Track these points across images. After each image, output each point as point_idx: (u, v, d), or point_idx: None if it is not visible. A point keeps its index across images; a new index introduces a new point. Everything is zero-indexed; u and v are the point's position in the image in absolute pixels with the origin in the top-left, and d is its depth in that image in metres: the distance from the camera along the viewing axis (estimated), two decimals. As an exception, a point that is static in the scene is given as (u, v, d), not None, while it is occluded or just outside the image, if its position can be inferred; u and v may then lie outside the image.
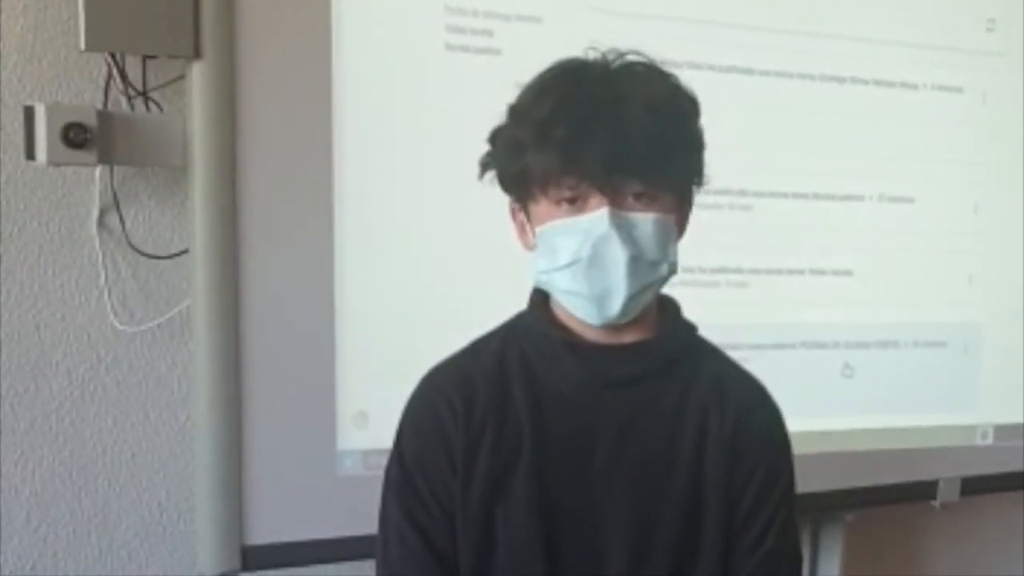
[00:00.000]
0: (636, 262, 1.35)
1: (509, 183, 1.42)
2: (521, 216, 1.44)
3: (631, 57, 1.40)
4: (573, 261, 1.36)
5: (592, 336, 1.44)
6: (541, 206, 1.38)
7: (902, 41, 2.57)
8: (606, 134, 1.31)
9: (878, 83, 2.56)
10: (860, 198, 2.58)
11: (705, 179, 1.44)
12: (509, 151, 1.39)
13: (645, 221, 1.35)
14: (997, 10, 2.68)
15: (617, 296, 1.36)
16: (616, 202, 1.34)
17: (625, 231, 1.34)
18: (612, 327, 1.41)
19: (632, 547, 1.42)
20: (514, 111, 1.40)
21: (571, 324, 1.44)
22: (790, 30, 2.47)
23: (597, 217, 1.34)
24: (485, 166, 1.44)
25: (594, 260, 1.34)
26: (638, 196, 1.35)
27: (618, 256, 1.34)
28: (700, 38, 2.38)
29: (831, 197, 2.55)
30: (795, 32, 2.48)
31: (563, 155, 1.32)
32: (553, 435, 1.43)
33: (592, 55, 1.40)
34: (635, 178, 1.34)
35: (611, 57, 1.39)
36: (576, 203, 1.35)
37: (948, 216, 2.69)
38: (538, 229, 1.40)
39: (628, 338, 1.44)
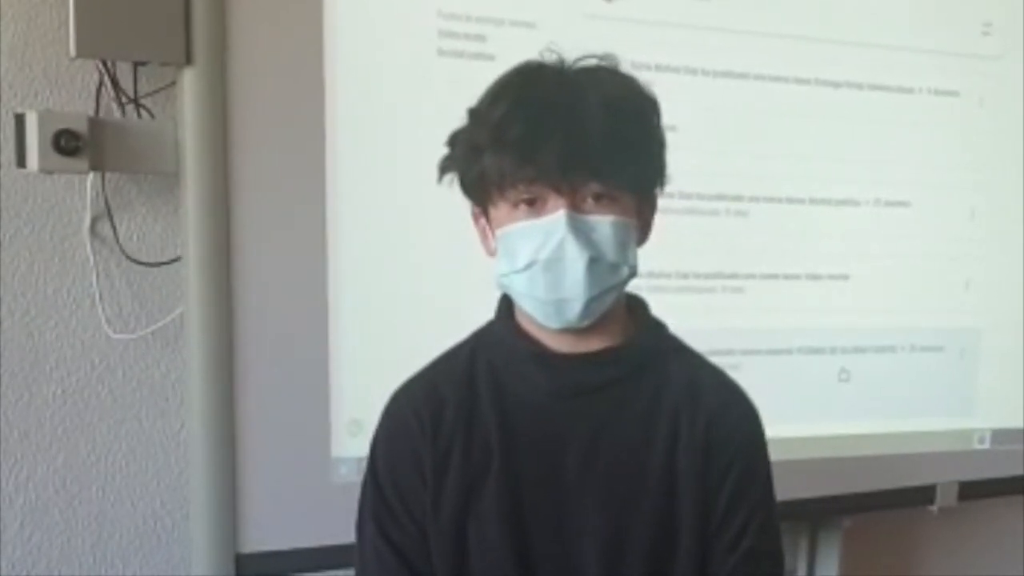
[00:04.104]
0: (595, 264, 1.34)
1: (468, 186, 1.41)
2: (483, 221, 1.43)
3: (588, 59, 1.39)
4: (531, 263, 1.35)
5: (558, 345, 1.42)
6: (500, 209, 1.38)
7: (898, 45, 2.57)
8: (561, 133, 1.30)
9: (874, 87, 2.55)
10: (856, 203, 2.57)
11: (668, 179, 1.43)
12: (467, 154, 1.39)
13: (603, 223, 1.34)
14: (993, 14, 2.68)
15: (576, 300, 1.35)
16: (574, 204, 1.33)
17: (583, 233, 1.33)
18: (576, 332, 1.40)
19: (605, 554, 1.41)
20: (472, 114, 1.40)
21: (537, 333, 1.43)
22: (785, 34, 2.46)
23: (555, 219, 1.33)
24: (444, 169, 1.44)
25: (552, 263, 1.34)
26: (597, 198, 1.34)
27: (576, 258, 1.33)
28: (694, 43, 2.37)
29: (827, 202, 2.54)
30: (790, 36, 2.47)
31: (518, 155, 1.31)
32: (523, 445, 1.42)
33: (549, 57, 1.39)
34: (592, 177, 1.33)
35: (568, 59, 1.39)
36: (535, 205, 1.34)
37: (944, 221, 2.68)
38: (498, 232, 1.39)
39: (595, 345, 1.43)
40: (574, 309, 1.36)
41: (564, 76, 1.37)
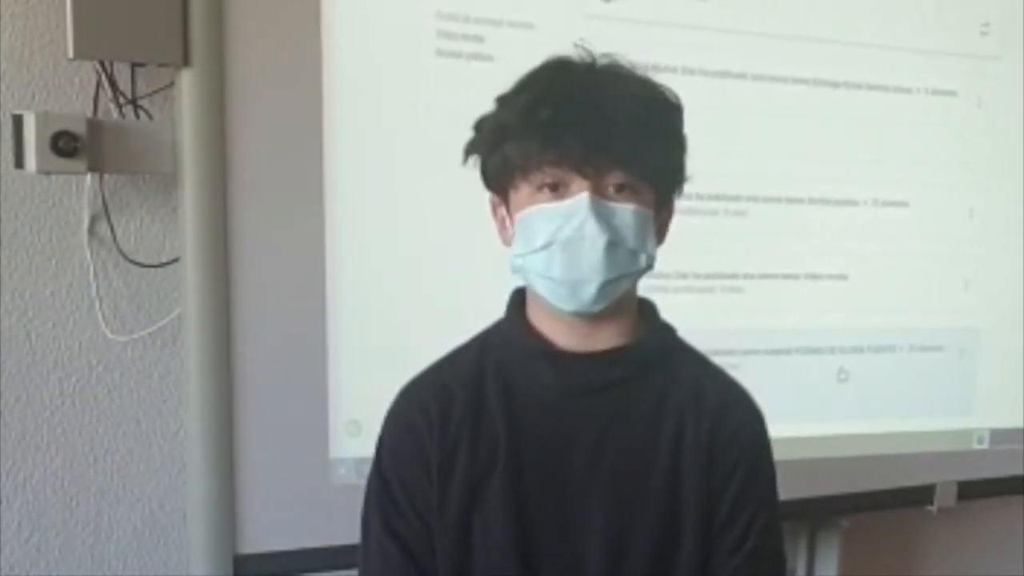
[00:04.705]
0: (614, 248, 1.34)
1: (491, 171, 1.42)
2: (502, 210, 1.44)
3: (616, 59, 1.41)
4: (549, 243, 1.35)
5: (568, 343, 1.43)
6: (522, 192, 1.38)
7: (896, 45, 2.57)
8: (587, 119, 1.32)
9: (872, 87, 2.55)
10: (854, 203, 2.57)
11: (687, 178, 1.44)
12: (493, 136, 1.40)
13: (625, 211, 1.35)
14: (992, 14, 2.67)
15: (592, 281, 1.35)
16: (597, 190, 1.34)
17: (604, 217, 1.34)
18: (586, 329, 1.41)
19: (609, 553, 1.41)
20: (500, 100, 1.41)
21: (547, 331, 1.44)
22: (783, 35, 2.46)
23: (577, 201, 1.33)
24: (468, 151, 1.44)
25: (571, 242, 1.34)
26: (619, 188, 1.35)
27: (596, 239, 1.33)
28: (693, 43, 2.37)
29: (825, 202, 2.54)
30: (788, 37, 2.47)
31: (544, 137, 1.32)
32: (529, 443, 1.43)
33: (579, 52, 1.40)
34: (616, 164, 1.34)
35: (597, 56, 1.40)
36: (557, 190, 1.35)
37: (943, 220, 2.68)
38: (517, 215, 1.39)
39: (605, 344, 1.43)
40: (588, 291, 1.36)
41: (593, 72, 1.39)
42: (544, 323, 1.44)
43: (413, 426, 1.46)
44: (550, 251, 1.35)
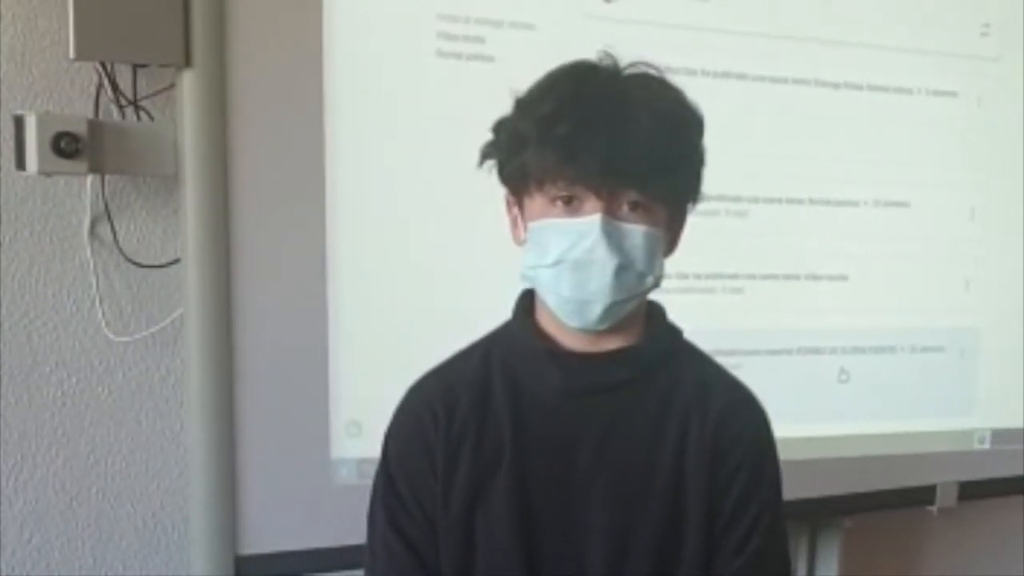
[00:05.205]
0: (624, 271, 1.35)
1: (507, 176, 1.42)
2: (515, 210, 1.44)
3: (642, 67, 1.40)
4: (559, 260, 1.35)
5: (574, 344, 1.43)
6: (536, 202, 1.38)
7: (897, 46, 2.57)
8: (607, 136, 1.31)
9: (872, 88, 2.55)
10: (855, 203, 2.57)
11: (701, 197, 1.44)
12: (510, 144, 1.39)
13: (636, 232, 1.35)
14: (992, 14, 2.67)
15: (599, 303, 1.36)
16: (610, 209, 1.34)
17: (616, 240, 1.34)
18: (592, 332, 1.41)
19: (611, 553, 1.42)
20: (519, 104, 1.40)
21: (554, 332, 1.44)
22: (784, 35, 2.46)
23: (590, 222, 1.33)
24: (486, 155, 1.44)
25: (581, 263, 1.35)
26: (633, 206, 1.35)
27: (606, 263, 1.34)
28: (693, 43, 2.37)
29: (826, 202, 2.54)
30: (790, 37, 2.47)
31: (562, 153, 1.32)
32: (534, 442, 1.43)
33: (603, 59, 1.39)
34: (632, 185, 1.33)
35: (622, 63, 1.39)
36: (571, 204, 1.35)
37: (944, 221, 2.68)
38: (531, 224, 1.40)
39: (611, 344, 1.44)
40: (595, 311, 1.37)
41: (616, 80, 1.37)
42: (551, 325, 1.45)
43: (419, 424, 1.47)
44: (560, 268, 1.36)
